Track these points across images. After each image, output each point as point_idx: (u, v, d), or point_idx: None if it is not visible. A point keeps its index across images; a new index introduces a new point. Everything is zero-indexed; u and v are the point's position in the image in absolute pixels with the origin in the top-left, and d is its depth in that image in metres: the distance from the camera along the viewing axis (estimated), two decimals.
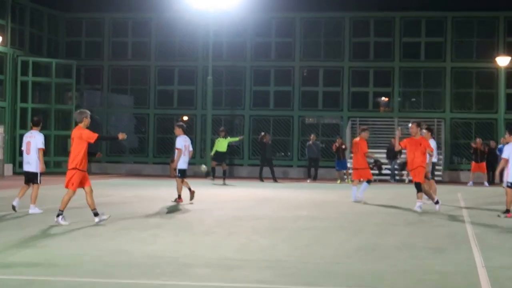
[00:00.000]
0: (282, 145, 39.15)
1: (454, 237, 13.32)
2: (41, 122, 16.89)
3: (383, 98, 40.23)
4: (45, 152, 17.94)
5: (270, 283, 8.71)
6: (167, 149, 38.74)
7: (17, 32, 36.91)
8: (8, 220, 14.94)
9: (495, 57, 36.77)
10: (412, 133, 18.56)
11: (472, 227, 14.83)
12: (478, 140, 34.55)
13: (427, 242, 12.42)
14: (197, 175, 36.26)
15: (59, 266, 9.52)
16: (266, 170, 32.92)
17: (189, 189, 19.85)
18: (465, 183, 33.90)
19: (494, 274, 9.38)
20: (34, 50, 38.44)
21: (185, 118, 39.74)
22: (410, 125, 18.84)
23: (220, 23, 37.86)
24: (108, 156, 39.89)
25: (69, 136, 36.89)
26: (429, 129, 21.70)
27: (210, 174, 32.33)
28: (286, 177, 36.74)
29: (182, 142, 19.97)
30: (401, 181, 34.35)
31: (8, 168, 35.19)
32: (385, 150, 34.66)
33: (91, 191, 14.41)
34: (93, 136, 14.25)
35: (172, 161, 20.65)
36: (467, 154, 37.08)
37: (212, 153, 31.62)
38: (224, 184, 29.91)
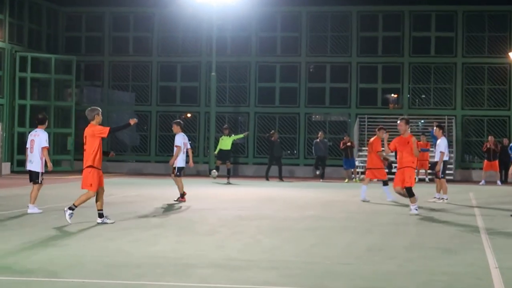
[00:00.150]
0: (288, 143, 39.12)
1: (465, 237, 13.31)
2: (46, 120, 16.96)
3: (392, 95, 40.20)
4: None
5: (275, 284, 8.72)
6: (169, 148, 38.65)
7: (15, 26, 36.92)
8: (7, 220, 14.96)
9: (507, 52, 36.72)
10: (400, 131, 17.77)
11: (484, 227, 14.81)
12: (490, 137, 34.49)
13: (437, 242, 12.41)
14: (200, 174, 36.30)
15: (58, 266, 9.54)
16: (273, 169, 32.90)
17: (182, 189, 20.10)
18: (477, 182, 33.83)
19: (508, 276, 9.36)
20: (32, 45, 38.47)
21: (188, 115, 39.78)
22: (398, 122, 18.06)
23: (224, 17, 37.86)
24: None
25: (69, 134, 37.45)
26: (439, 126, 21.71)
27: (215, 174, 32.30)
28: (292, 176, 36.73)
29: (181, 140, 20.10)
30: None
31: (6, 167, 35.22)
32: None
33: (103, 191, 14.57)
34: (105, 130, 14.37)
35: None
36: (479, 152, 37.04)
37: (216, 151, 31.60)
38: (228, 183, 29.93)
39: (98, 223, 14.26)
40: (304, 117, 39.34)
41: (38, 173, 16.42)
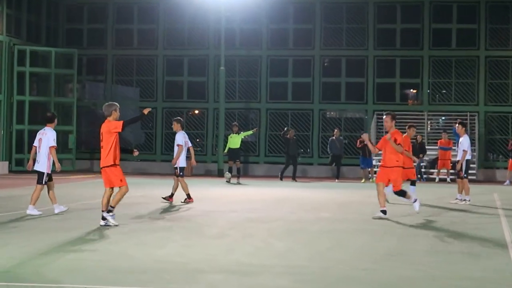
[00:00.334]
0: (301, 141, 39.04)
1: (490, 241, 13.25)
2: (55, 118, 17.11)
3: (411, 90, 40.10)
4: None
5: None
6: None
7: (13, 18, 37.00)
8: (5, 223, 14.97)
9: None
10: (386, 127, 17.30)
11: (510, 230, 14.76)
12: None
13: (460, 246, 12.38)
14: (208, 174, 36.32)
15: (59, 272, 9.54)
16: (288, 169, 32.84)
17: (175, 190, 20.28)
18: (502, 182, 33.76)
19: None
20: (32, 38, 38.55)
21: (196, 112, 39.78)
22: (384, 117, 17.66)
23: (232, 8, 37.86)
24: None
25: (70, 132, 37.46)
26: (462, 123, 21.63)
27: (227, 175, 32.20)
28: (305, 176, 36.70)
29: (182, 138, 20.20)
30: (431, 179, 34.33)
31: (4, 166, 35.31)
32: None
33: (112, 192, 14.70)
34: (119, 125, 14.65)
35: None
36: (503, 150, 36.93)
37: (226, 150, 31.53)
38: (238, 183, 29.92)
39: (101, 225, 14.26)
40: (318, 114, 39.29)
41: (43, 173, 16.46)
